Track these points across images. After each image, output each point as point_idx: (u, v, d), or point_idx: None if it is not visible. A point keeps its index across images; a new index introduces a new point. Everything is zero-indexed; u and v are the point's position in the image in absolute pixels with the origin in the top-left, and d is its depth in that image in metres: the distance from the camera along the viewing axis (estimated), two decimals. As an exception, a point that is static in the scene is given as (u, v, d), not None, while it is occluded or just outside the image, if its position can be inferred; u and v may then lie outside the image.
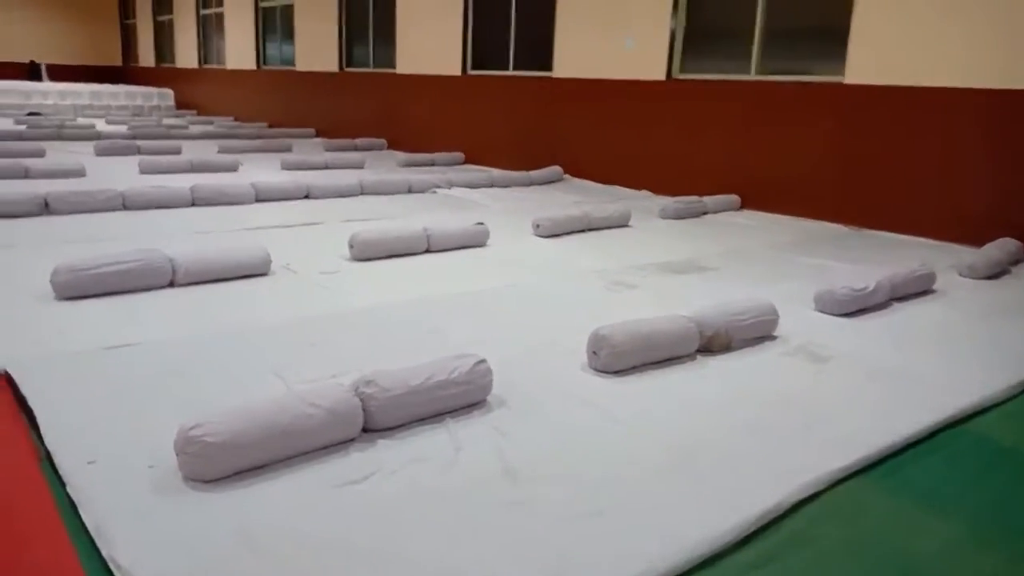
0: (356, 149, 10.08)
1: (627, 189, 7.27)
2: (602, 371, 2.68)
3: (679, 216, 5.87)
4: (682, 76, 6.95)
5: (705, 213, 6.08)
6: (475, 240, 4.68)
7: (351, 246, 4.21)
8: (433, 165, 8.83)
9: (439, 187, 6.97)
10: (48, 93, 15.71)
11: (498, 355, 2.53)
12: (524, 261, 4.40)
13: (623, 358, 2.68)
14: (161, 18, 18.17)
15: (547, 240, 4.96)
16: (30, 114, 13.56)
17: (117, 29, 20.86)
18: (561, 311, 3.41)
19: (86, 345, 2.73)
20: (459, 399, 2.32)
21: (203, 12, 15.95)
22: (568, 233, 5.14)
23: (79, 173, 6.77)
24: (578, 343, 2.81)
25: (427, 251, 4.47)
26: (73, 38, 20.31)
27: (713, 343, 2.93)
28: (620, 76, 7.34)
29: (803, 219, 5.99)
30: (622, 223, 5.49)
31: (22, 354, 2.59)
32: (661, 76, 6.98)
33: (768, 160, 6.29)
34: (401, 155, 9.41)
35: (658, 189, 7.07)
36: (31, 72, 18.26)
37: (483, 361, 2.38)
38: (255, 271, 3.79)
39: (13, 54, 19.12)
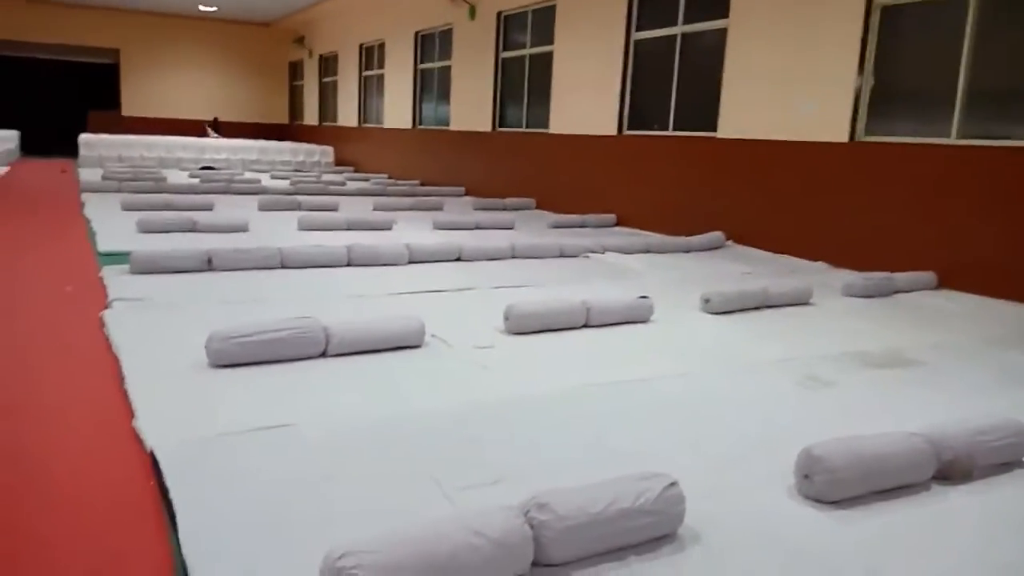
0: (505, 209, 9.99)
1: (800, 260, 6.65)
2: (816, 500, 2.19)
3: (866, 294, 5.22)
4: (868, 138, 6.33)
5: (896, 292, 5.38)
6: (638, 315, 4.28)
7: (507, 318, 3.93)
8: (584, 227, 8.55)
9: (592, 251, 6.65)
10: (221, 148, 16.87)
11: (679, 470, 2.11)
12: (694, 343, 3.95)
13: (843, 486, 2.19)
14: (326, 79, 19.25)
15: (718, 318, 4.48)
16: (203, 168, 14.55)
17: (286, 90, 22.35)
18: (748, 413, 2.93)
19: (237, 423, 2.55)
20: (646, 531, 1.92)
21: (365, 74, 16.72)
22: (741, 310, 4.64)
23: (243, 228, 6.96)
24: (778, 459, 2.34)
25: (586, 325, 4.11)
26: (247, 98, 21.93)
27: (953, 470, 2.37)
28: (795, 137, 6.79)
29: (1018, 304, 5.17)
30: (802, 300, 4.92)
31: (171, 433, 2.42)
32: (843, 138, 6.39)
33: (971, 233, 5.54)
34: (551, 216, 9.21)
35: (837, 261, 6.41)
36: (212, 127, 19.78)
37: (674, 484, 1.97)
38: (409, 343, 3.56)
39: (195, 112, 20.85)
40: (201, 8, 19.07)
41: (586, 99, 9.49)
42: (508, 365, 3.42)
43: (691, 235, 7.36)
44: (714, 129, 7.68)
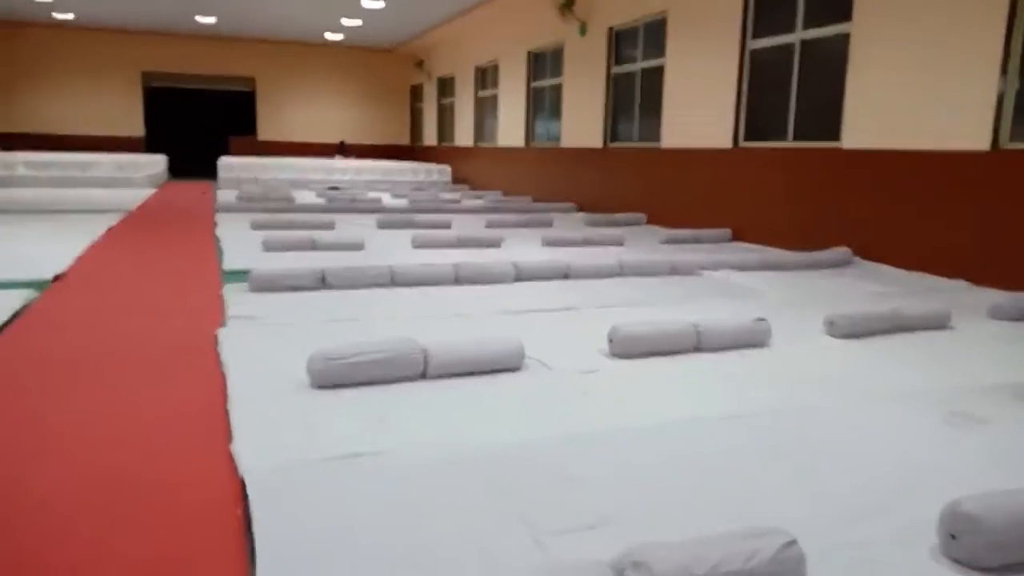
0: (616, 224, 9.81)
1: (937, 278, 6.11)
2: (965, 565, 1.90)
3: (1016, 316, 4.71)
4: (1012, 146, 5.75)
5: (1051, 314, 4.83)
6: (753, 339, 4.02)
7: (611, 340, 3.78)
8: (697, 242, 8.25)
9: (706, 268, 6.38)
10: (347, 169, 17.54)
11: (798, 523, 1.90)
12: (817, 371, 3.65)
13: (1001, 551, 1.88)
14: (444, 101, 19.70)
15: (844, 342, 4.15)
16: (330, 188, 15.16)
17: (407, 112, 23.05)
18: (881, 456, 2.62)
19: (330, 450, 2.52)
20: (756, 596, 1.72)
21: (480, 94, 16.98)
22: (871, 334, 4.28)
23: (359, 247, 7.14)
24: (918, 513, 2.07)
25: (696, 350, 3.90)
26: (371, 121, 22.78)
27: None
28: (930, 147, 6.28)
29: None
30: (940, 324, 4.49)
31: (264, 458, 2.43)
32: (984, 146, 5.84)
33: None
34: (662, 231, 8.95)
35: (978, 279, 5.85)
36: (339, 151, 20.67)
37: (792, 543, 1.75)
38: (508, 365, 3.48)
39: (324, 136, 21.84)
40: (328, 36, 19.98)
41: (700, 111, 9.19)
42: (611, 392, 3.27)
43: (814, 251, 6.94)
44: (837, 139, 7.23)
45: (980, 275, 5.85)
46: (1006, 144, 5.81)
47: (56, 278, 5.41)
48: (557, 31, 12.48)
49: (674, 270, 6.28)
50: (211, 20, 18.02)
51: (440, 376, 3.32)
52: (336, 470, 2.39)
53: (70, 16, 18.00)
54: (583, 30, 11.69)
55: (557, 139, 13.16)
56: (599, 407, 3.08)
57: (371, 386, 3.18)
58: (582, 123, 12.09)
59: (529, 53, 14.07)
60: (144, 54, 20.29)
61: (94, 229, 8.02)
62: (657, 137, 10.12)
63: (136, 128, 20.65)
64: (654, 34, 10.28)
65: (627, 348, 3.75)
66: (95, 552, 1.93)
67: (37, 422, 2.78)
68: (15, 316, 4.27)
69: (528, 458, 2.53)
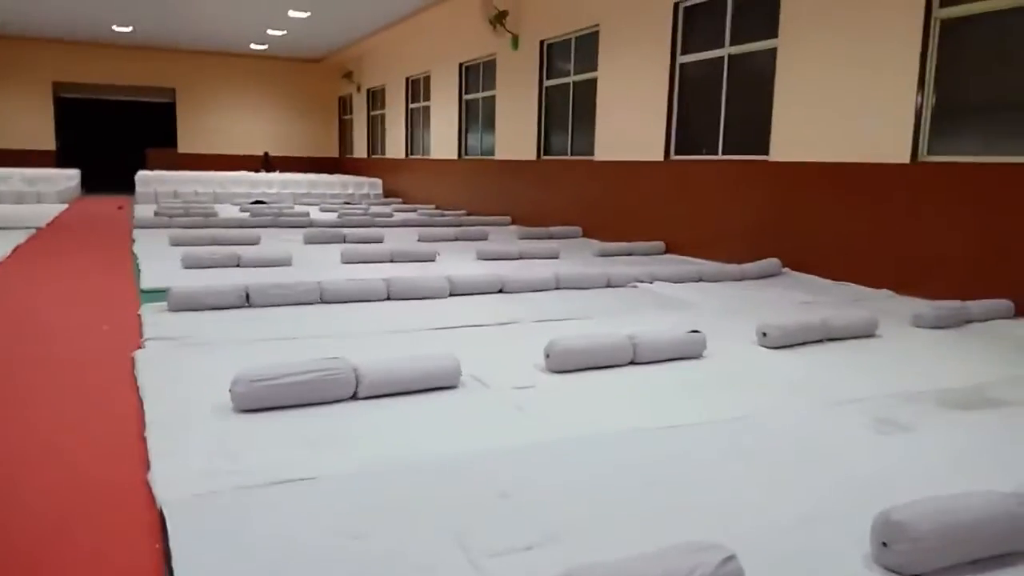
0: (551, 237, 9.81)
1: (862, 287, 6.28)
2: (896, 573, 1.90)
3: (939, 324, 4.85)
4: (931, 158, 5.97)
5: (970, 321, 5.00)
6: (689, 351, 4.02)
7: (547, 355, 3.71)
8: (631, 255, 8.30)
9: (640, 281, 6.40)
10: (272, 182, 17.12)
11: (737, 537, 1.87)
12: (751, 381, 3.67)
13: (928, 557, 1.90)
14: (374, 113, 19.47)
15: (776, 352, 4.19)
16: (254, 202, 14.75)
17: (336, 124, 22.71)
18: (815, 464, 2.64)
19: (253, 477, 2.37)
20: (699, 614, 1.66)
21: (411, 106, 16.85)
22: (802, 344, 4.33)
23: (286, 263, 6.92)
24: (853, 523, 2.07)
25: (632, 362, 3.87)
26: (298, 133, 22.36)
27: (1057, 535, 2.05)
28: (853, 159, 6.47)
29: (1108, 332, 4.75)
30: (867, 332, 4.59)
31: (183, 487, 2.26)
32: (905, 158, 6.04)
33: (1051, 257, 5.13)
34: (597, 244, 8.99)
35: (902, 289, 6.03)
36: (264, 163, 20.17)
37: (732, 558, 1.72)
38: (443, 383, 3.37)
39: (248, 148, 21.30)
40: (253, 47, 19.54)
41: (632, 124, 9.29)
42: (548, 407, 3.20)
43: (745, 262, 7.06)
44: (766, 152, 7.39)
45: (903, 285, 6.04)
46: (924, 156, 6.02)
47: (-45, 299, 5.04)
48: (489, 43, 12.48)
49: (609, 283, 6.28)
50: (128, 29, 17.38)
51: (373, 396, 3.19)
52: (261, 498, 2.25)
53: (-25, 22, 17.12)
54: (515, 43, 11.72)
55: (491, 152, 13.14)
56: (537, 422, 3.01)
57: (299, 408, 3.03)
58: (515, 136, 12.09)
59: (461, 65, 14.03)
60: (56, 64, 19.42)
61: (1, 247, 7.55)
62: (591, 150, 10.18)
63: (47, 141, 19.72)
64: (586, 47, 10.37)
65: (564, 362, 3.70)
66: (-13, 604, 1.74)
67: (-74, 458, 2.54)
68: (-94, 341, 3.94)
69: (465, 477, 2.44)
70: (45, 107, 19.73)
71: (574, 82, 10.76)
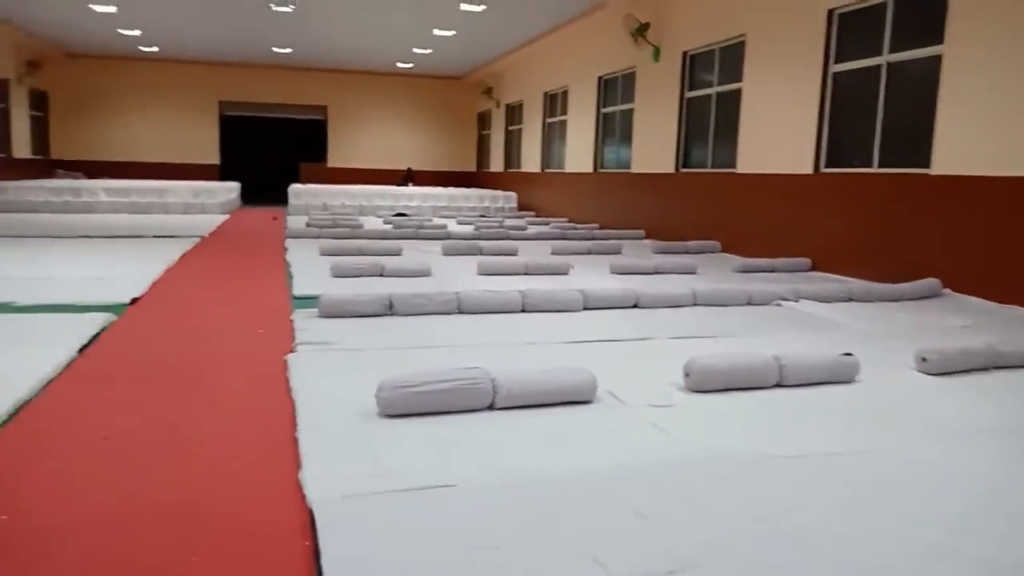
0: (688, 252, 9.59)
1: (1036, 312, 5.74)
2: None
3: None
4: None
5: None
6: (839, 375, 3.80)
7: (687, 374, 3.61)
8: (774, 272, 7.97)
9: (784, 299, 6.13)
10: (413, 196, 17.75)
11: (876, 567, 1.73)
12: (908, 410, 3.41)
13: None
14: (512, 127, 19.80)
15: (936, 380, 3.88)
16: (396, 215, 15.33)
17: (475, 139, 23.27)
18: (988, 508, 2.41)
19: (398, 481, 2.45)
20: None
21: (548, 120, 17.00)
22: (965, 371, 3.99)
23: (425, 273, 7.13)
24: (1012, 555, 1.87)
25: (778, 385, 3.70)
26: (439, 148, 23.09)
27: None
28: (1027, 172, 5.93)
29: None
30: (1043, 362, 4.17)
31: (333, 488, 2.36)
32: (1090, 171, 5.47)
33: None
34: (737, 259, 8.69)
35: (1084, 314, 5.45)
36: (406, 178, 20.96)
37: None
38: (579, 398, 3.35)
39: (392, 162, 22.21)
40: (399, 65, 20.38)
41: (779, 136, 8.95)
42: (686, 427, 3.11)
43: (900, 282, 6.60)
44: (927, 165, 6.90)
45: (1085, 309, 5.45)
46: (1113, 170, 5.43)
47: (133, 301, 5.53)
48: (629, 56, 12.41)
49: (750, 300, 6.05)
50: (287, 51, 18.58)
51: (509, 407, 3.22)
52: (404, 502, 2.31)
53: (155, 49, 18.83)
54: (656, 55, 11.59)
55: (627, 165, 13.04)
56: (675, 442, 2.93)
57: (439, 416, 3.10)
58: (653, 148, 11.94)
59: (599, 79, 14.03)
60: (221, 84, 21.05)
61: (170, 254, 8.23)
62: (732, 162, 9.90)
63: (212, 156, 21.37)
64: (731, 58, 10.10)
65: (704, 381, 3.58)
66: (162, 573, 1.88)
67: (111, 441, 2.79)
68: (94, 338, 4.36)
69: (601, 493, 2.41)
70: (212, 124, 21.41)
71: (717, 93, 10.50)
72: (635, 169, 12.62)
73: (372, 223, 13.24)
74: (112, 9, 14.15)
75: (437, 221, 14.01)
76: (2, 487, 2.38)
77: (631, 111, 12.80)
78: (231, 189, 17.13)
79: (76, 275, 6.54)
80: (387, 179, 20.75)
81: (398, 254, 8.67)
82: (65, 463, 2.60)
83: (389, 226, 12.55)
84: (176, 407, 3.26)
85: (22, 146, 17.93)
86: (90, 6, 13.86)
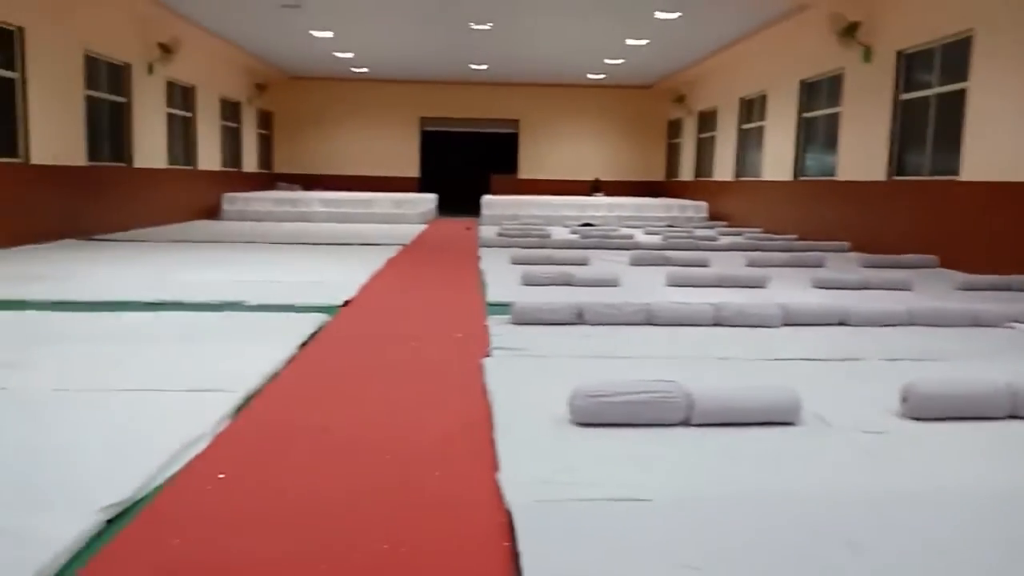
0: (900, 266, 8.83)
1: None
2: None
3: None
4: None
5: None
6: (1091, 409, 3.32)
7: (904, 399, 3.32)
8: (1008, 290, 7.13)
9: (1018, 321, 5.47)
10: (599, 206, 17.78)
11: None
12: None
13: None
14: (703, 135, 19.29)
15: None
16: (583, 225, 15.42)
17: (663, 148, 22.92)
18: None
19: (593, 490, 2.45)
20: None
21: (743, 126, 16.38)
22: None
23: (613, 283, 7.10)
24: None
25: (1012, 416, 3.30)
26: (626, 158, 22.97)
27: None
28: None
29: None
30: None
31: (530, 491, 2.41)
32: None
33: None
34: (960, 275, 7.87)
35: None
36: (593, 188, 21.06)
37: None
38: (781, 418, 3.18)
39: (580, 173, 22.40)
40: (589, 76, 20.53)
41: (1013, 140, 8.02)
42: (903, 455, 2.86)
43: None
44: None
45: None
46: None
47: (345, 303, 5.96)
48: (835, 58, 11.69)
49: (976, 321, 5.46)
50: (483, 67, 19.33)
51: (705, 424, 3.12)
52: (599, 512, 2.31)
53: (365, 70, 20.29)
54: (867, 55, 10.81)
55: (830, 172, 12.28)
56: (889, 471, 2.71)
57: (631, 427, 3.07)
58: (861, 155, 11.15)
59: (801, 82, 13.32)
60: (422, 101, 22.27)
61: (375, 261, 8.81)
62: (954, 169, 9.01)
63: (412, 169, 22.65)
64: (954, 55, 9.21)
65: (924, 408, 3.27)
66: (373, 561, 1.99)
67: (327, 432, 3.02)
68: (312, 336, 4.75)
69: (807, 519, 2.28)
70: (413, 139, 22.71)
71: (937, 95, 9.61)
72: (840, 176, 11.84)
73: (559, 233, 13.42)
74: (329, 34, 15.43)
75: (624, 231, 13.94)
76: (235, 468, 2.64)
77: (836, 115, 12.03)
78: (429, 200, 18.06)
79: (296, 279, 7.17)
80: (574, 190, 20.95)
81: (585, 264, 8.71)
82: (289, 450, 2.85)
83: (576, 236, 12.65)
84: (383, 403, 3.46)
85: (250, 161, 20.00)
86: (310, 32, 15.20)
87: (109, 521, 2.18)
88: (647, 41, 15.42)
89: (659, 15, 12.99)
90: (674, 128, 22.11)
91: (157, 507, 2.31)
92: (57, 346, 4.30)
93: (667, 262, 8.84)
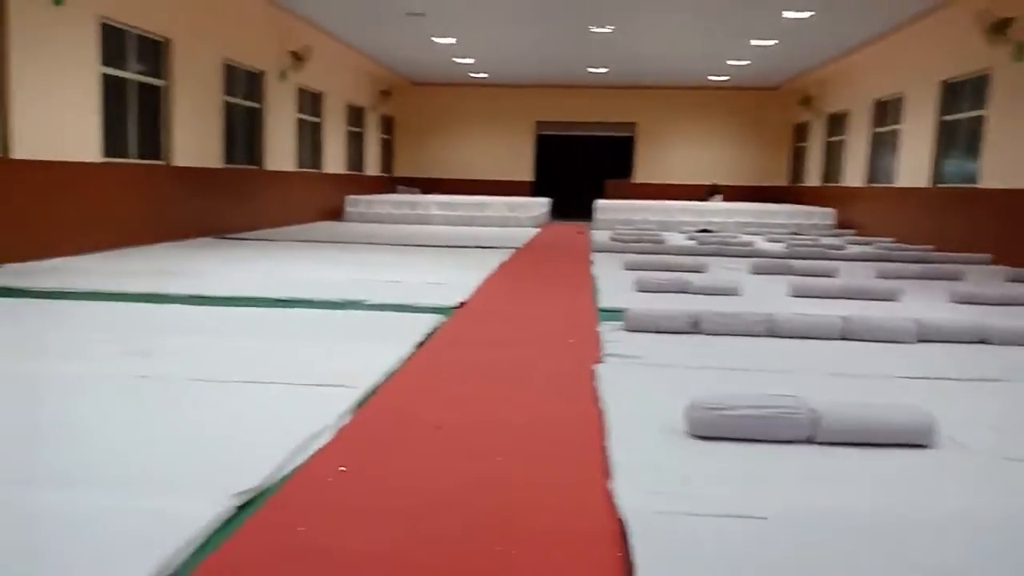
0: (1051, 282, 8.14)
1: None
2: None
3: None
4: None
5: None
6: None
7: (1056, 426, 3.04)
8: None
9: None
10: (717, 211, 17.31)
11: None
12: None
13: None
14: (832, 139, 18.45)
15: None
16: (700, 230, 15.06)
17: (786, 152, 22.07)
18: None
19: (709, 505, 2.38)
20: None
21: (876, 130, 15.54)
22: None
23: (732, 292, 6.89)
24: None
25: None
26: (746, 162, 22.28)
27: None
28: None
29: None
30: None
31: (644, 502, 2.36)
32: None
33: None
34: (1122, 294, 7.17)
35: None
36: (711, 192, 20.55)
37: None
38: (914, 440, 2.99)
39: (696, 177, 21.91)
40: (711, 78, 20.05)
41: None
42: (1056, 489, 2.62)
43: None
44: None
45: None
46: None
47: (459, 305, 6.07)
48: (981, 57, 10.90)
49: None
50: (602, 71, 19.23)
51: (830, 443, 2.97)
52: (714, 528, 2.24)
53: (484, 75, 20.61)
54: (1019, 54, 10.03)
55: (971, 179, 11.47)
56: (1040, 507, 2.48)
57: (750, 443, 2.96)
58: (1009, 160, 10.35)
59: (942, 83, 12.51)
60: (539, 105, 22.38)
61: (489, 263, 8.93)
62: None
63: (526, 173, 22.79)
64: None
65: (1080, 438, 2.99)
66: (486, 560, 2.01)
67: (443, 431, 3.07)
68: (428, 336, 4.86)
69: (940, 550, 2.13)
70: (528, 143, 22.87)
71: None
72: (983, 184, 11.03)
73: (675, 239, 13.17)
74: (452, 40, 15.77)
75: (743, 238, 13.52)
76: (355, 461, 2.73)
77: (980, 118, 11.22)
78: (542, 204, 18.14)
79: (412, 279, 7.36)
80: (690, 194, 20.50)
81: (703, 271, 8.49)
82: (406, 447, 2.92)
83: (692, 242, 12.38)
84: (496, 404, 3.50)
85: (372, 165, 20.71)
86: (433, 39, 15.59)
87: (239, 507, 2.30)
88: (774, 42, 14.91)
89: (788, 15, 12.53)
90: (800, 131, 21.26)
91: (284, 496, 2.42)
92: (192, 338, 4.59)
93: (790, 271, 8.51)
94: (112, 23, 9.19)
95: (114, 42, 9.33)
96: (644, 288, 6.98)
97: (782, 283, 7.41)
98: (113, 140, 9.41)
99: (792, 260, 9.31)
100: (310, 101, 15.89)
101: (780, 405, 3.01)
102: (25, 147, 7.82)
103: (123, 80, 9.63)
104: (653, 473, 2.64)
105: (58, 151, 8.33)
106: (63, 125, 8.43)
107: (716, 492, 2.50)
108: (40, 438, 2.84)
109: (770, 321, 5.16)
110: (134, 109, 9.90)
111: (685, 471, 2.67)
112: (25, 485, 2.40)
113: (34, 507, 2.24)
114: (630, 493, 2.43)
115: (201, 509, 2.20)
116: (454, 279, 7.40)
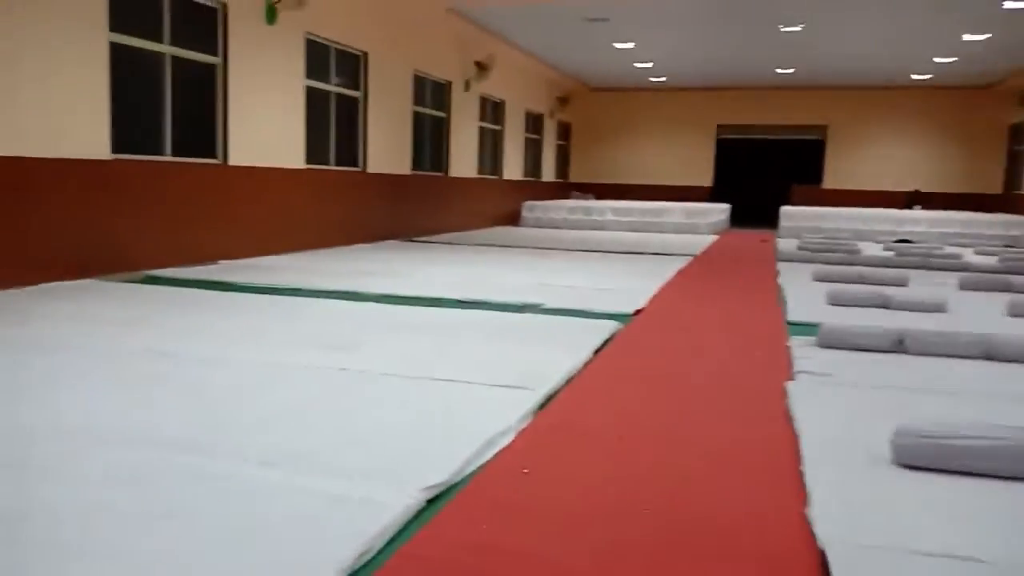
0: None
1: None
2: None
3: None
4: None
5: None
6: None
7: None
8: None
9: None
10: (919, 220, 15.94)
11: None
12: None
13: None
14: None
15: None
16: (899, 241, 13.93)
17: (1001, 157, 19.93)
18: None
19: (920, 542, 2.15)
20: None
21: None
22: None
23: (939, 309, 6.28)
24: None
25: None
26: (953, 167, 20.35)
27: None
28: None
29: None
30: None
31: (846, 534, 2.18)
32: None
33: None
34: None
35: None
36: (912, 200, 18.97)
37: None
38: None
39: (894, 184, 20.31)
40: (913, 77, 18.53)
41: None
42: None
43: None
44: None
45: None
46: None
47: (636, 312, 5.97)
48: None
49: None
50: (790, 71, 18.32)
51: (1066, 483, 2.61)
52: (924, 569, 2.03)
53: (663, 79, 20.27)
54: None
55: None
56: None
57: (965, 476, 2.66)
58: None
59: None
60: (720, 108, 21.66)
61: (665, 271, 8.74)
62: None
63: (705, 178, 22.13)
64: None
65: None
66: (671, 590, 1.94)
67: (622, 440, 3.02)
68: (606, 342, 4.82)
69: None
70: (708, 148, 22.20)
71: None
72: None
73: (870, 249, 12.26)
74: (630, 45, 15.65)
75: (949, 250, 12.34)
76: (537, 464, 2.74)
77: None
78: (722, 210, 17.56)
79: (588, 285, 7.35)
80: (886, 202, 19.04)
81: (904, 285, 7.82)
82: (586, 453, 2.89)
83: (891, 253, 11.46)
84: (679, 417, 3.39)
85: (548, 171, 20.98)
86: (613, 44, 15.53)
87: (428, 500, 2.37)
88: (988, 35, 13.52)
89: (1008, 5, 11.31)
90: (1017, 133, 19.13)
91: (470, 492, 2.47)
92: (385, 334, 4.84)
93: (1008, 288, 7.65)
94: (316, 39, 9.94)
95: (317, 56, 10.09)
96: (837, 301, 6.53)
97: (998, 301, 6.67)
98: (314, 148, 10.18)
99: (1010, 275, 8.36)
100: (491, 109, 16.37)
101: (1003, 436, 2.69)
102: (240, 154, 8.63)
103: (324, 92, 10.39)
104: (855, 503, 2.43)
105: (268, 158, 9.13)
106: (273, 134, 9.23)
107: (927, 528, 2.27)
108: (260, 421, 3.10)
109: (988, 342, 4.64)
110: (333, 119, 10.66)
111: (892, 503, 2.45)
112: (242, 462, 2.62)
113: (248, 483, 2.44)
114: (830, 522, 2.25)
115: (394, 499, 2.29)
116: (630, 285, 7.31)
